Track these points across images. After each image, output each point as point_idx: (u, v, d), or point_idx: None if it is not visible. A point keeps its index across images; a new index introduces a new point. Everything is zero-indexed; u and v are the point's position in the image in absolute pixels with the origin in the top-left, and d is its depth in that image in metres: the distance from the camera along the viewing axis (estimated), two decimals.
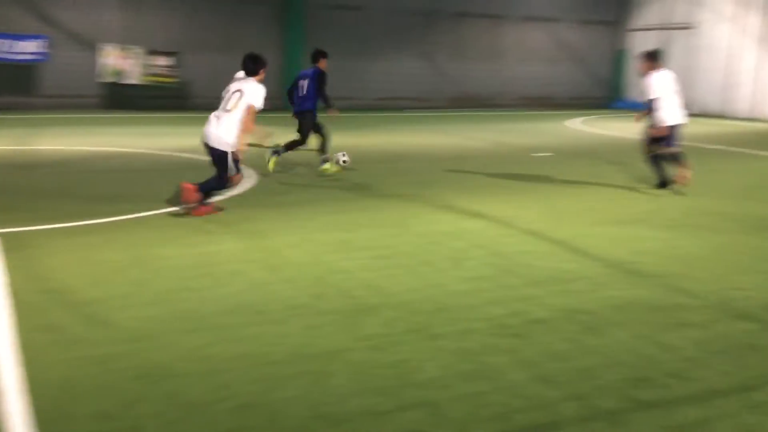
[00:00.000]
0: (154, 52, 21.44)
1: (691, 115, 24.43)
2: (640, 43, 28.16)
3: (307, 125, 10.36)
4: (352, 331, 4.35)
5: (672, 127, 9.27)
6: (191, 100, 22.16)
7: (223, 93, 7.62)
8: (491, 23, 26.69)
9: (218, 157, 7.38)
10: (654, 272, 5.74)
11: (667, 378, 3.80)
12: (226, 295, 4.94)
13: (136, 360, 3.87)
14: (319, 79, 10.13)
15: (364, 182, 9.79)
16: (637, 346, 4.22)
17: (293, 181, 9.82)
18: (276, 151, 10.37)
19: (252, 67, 7.62)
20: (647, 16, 27.94)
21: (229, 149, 7.31)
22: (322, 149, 10.41)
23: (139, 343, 4.09)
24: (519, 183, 10.01)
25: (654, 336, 4.38)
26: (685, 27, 26.30)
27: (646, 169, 10.32)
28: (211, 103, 22.59)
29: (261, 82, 7.59)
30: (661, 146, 9.35)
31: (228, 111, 7.40)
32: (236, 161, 7.38)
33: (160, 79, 21.59)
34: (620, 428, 3.27)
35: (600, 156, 13.16)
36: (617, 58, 28.98)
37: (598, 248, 6.43)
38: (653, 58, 9.43)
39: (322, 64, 10.24)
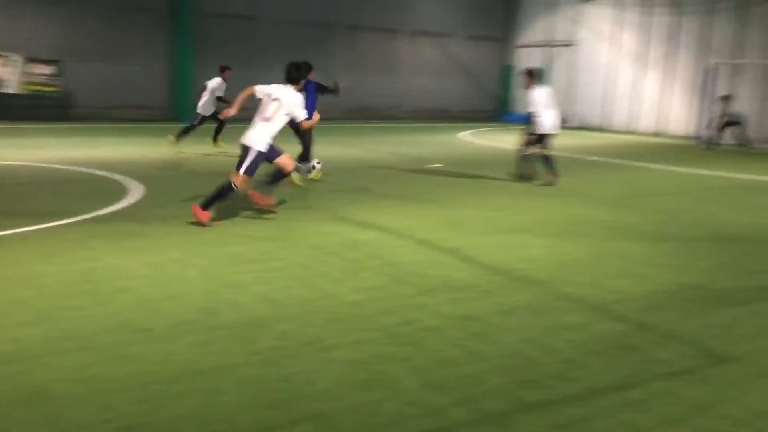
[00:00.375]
0: (33, 60, 20.39)
1: (573, 128, 25.71)
2: (526, 58, 29.39)
3: (308, 134, 11.06)
4: (243, 345, 4.29)
5: (545, 135, 11.07)
6: (74, 110, 21.23)
7: (263, 97, 7.75)
8: (385, 36, 27.11)
9: (246, 152, 7.58)
10: (538, 278, 5.98)
11: (550, 379, 3.97)
12: (110, 312, 4.75)
13: (12, 383, 3.65)
14: (319, 89, 11.07)
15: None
16: (522, 350, 4.38)
17: (181, 194, 9.57)
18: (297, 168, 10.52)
19: (295, 74, 7.79)
20: (532, 33, 29.20)
21: (257, 148, 7.52)
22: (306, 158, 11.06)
23: (15, 365, 3.86)
24: (413, 193, 10.18)
25: (538, 339, 4.57)
26: (567, 44, 27.66)
27: (532, 181, 10.77)
28: (95, 113, 21.99)
29: (299, 90, 7.85)
30: (534, 148, 11.18)
31: (267, 119, 7.58)
32: (254, 166, 7.60)
33: (41, 88, 20.55)
34: (507, 429, 3.38)
35: (488, 167, 13.59)
36: (505, 73, 30.11)
37: (486, 256, 6.63)
38: (534, 76, 11.04)
39: (312, 75, 10.39)
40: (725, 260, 6.87)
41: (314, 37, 25.49)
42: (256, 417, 3.41)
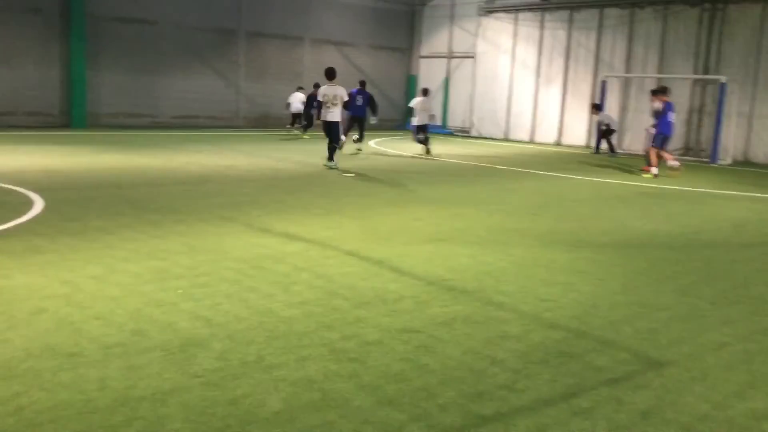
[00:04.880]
0: None
1: (477, 137, 26.36)
2: (429, 69, 29.91)
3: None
4: (181, 368, 4.05)
5: (421, 126, 18.13)
6: None
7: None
8: (289, 44, 26.85)
9: None
10: (469, 288, 6.02)
11: (500, 390, 3.97)
12: (29, 336, 4.39)
13: None
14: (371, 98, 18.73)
15: (171, 206, 9.30)
16: (468, 361, 4.37)
17: (90, 205, 9.07)
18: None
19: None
20: (435, 44, 29.75)
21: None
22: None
23: None
24: (330, 203, 10.08)
25: (481, 350, 4.57)
26: (467, 56, 28.33)
27: (445, 189, 10.88)
28: None
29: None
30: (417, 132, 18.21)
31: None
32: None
33: None
34: None
35: (401, 176, 13.68)
36: (409, 83, 30.49)
37: (416, 267, 6.62)
38: (423, 92, 18.91)
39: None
40: (640, 267, 7.16)
41: (216, 43, 24.93)
42: None
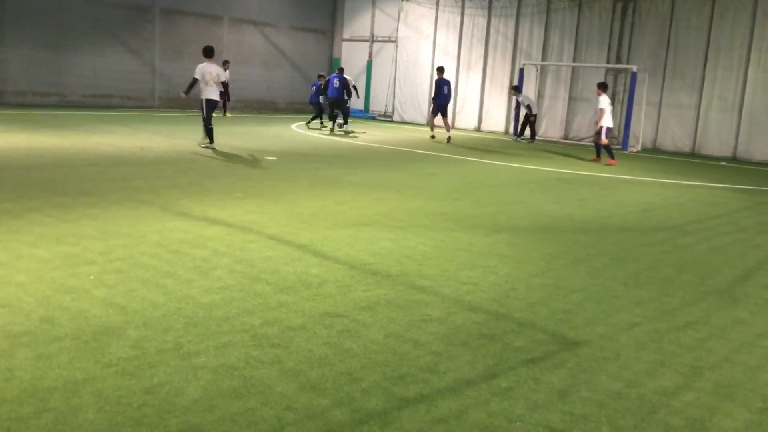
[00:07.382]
0: None
1: (400, 122, 26.35)
2: (351, 52, 29.76)
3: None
4: (94, 356, 3.90)
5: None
6: None
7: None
8: (207, 22, 26.14)
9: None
10: (392, 271, 6.04)
11: (423, 373, 4.00)
12: None
13: None
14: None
15: (82, 188, 8.92)
16: (391, 345, 4.39)
17: None
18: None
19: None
20: (357, 27, 29.59)
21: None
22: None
23: None
24: (254, 186, 9.90)
25: (404, 333, 4.60)
26: (390, 40, 28.33)
27: (367, 173, 10.85)
28: None
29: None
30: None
31: None
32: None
33: None
34: (390, 427, 3.35)
35: (324, 159, 13.59)
36: (332, 66, 30.25)
37: (339, 251, 6.59)
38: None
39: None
40: (556, 250, 7.36)
41: (129, 20, 23.98)
42: None
